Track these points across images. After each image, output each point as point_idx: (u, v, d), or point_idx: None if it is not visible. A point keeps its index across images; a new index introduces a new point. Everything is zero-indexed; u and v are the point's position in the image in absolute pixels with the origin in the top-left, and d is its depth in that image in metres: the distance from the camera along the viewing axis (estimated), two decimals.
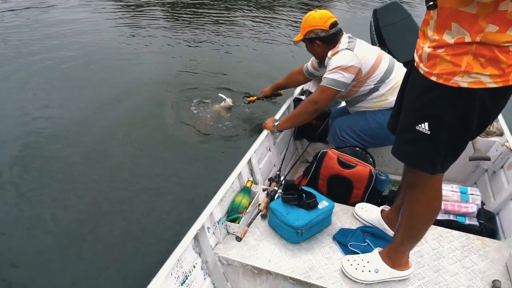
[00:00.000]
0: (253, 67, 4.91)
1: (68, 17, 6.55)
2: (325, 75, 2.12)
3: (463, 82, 1.04)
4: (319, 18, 2.15)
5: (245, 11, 7.81)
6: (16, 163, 2.88)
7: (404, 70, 2.17)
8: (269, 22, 7.07)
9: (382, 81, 2.11)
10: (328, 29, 2.12)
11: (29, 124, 3.41)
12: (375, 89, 2.13)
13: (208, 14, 7.27)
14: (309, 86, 2.99)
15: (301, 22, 2.25)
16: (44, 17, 6.53)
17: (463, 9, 0.99)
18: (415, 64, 1.18)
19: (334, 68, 2.07)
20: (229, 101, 3.61)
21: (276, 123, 2.35)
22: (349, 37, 2.16)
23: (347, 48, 2.08)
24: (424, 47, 1.12)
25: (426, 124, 1.14)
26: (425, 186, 1.28)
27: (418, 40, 1.18)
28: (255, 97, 3.11)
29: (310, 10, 2.32)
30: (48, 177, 2.79)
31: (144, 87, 4.24)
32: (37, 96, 3.88)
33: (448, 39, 1.04)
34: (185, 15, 7.17)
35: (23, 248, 2.22)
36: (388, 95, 2.13)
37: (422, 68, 1.13)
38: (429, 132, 1.14)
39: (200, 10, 7.53)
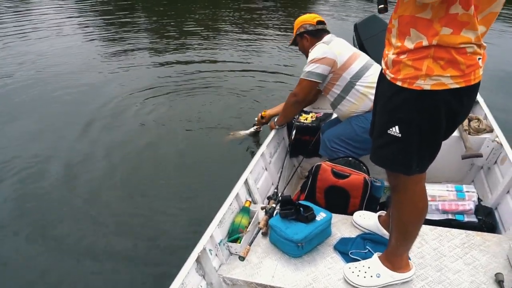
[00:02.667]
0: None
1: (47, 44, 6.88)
2: (303, 69, 2.30)
3: (426, 84, 1.09)
4: (308, 16, 2.44)
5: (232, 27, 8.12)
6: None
7: None
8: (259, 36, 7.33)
9: (358, 76, 2.21)
10: (315, 24, 2.38)
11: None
12: (351, 84, 2.22)
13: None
14: None
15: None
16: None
17: (419, 15, 1.06)
18: (383, 71, 1.24)
19: (309, 62, 2.26)
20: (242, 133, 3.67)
21: (275, 120, 2.63)
22: (330, 36, 2.35)
23: (323, 42, 2.28)
24: (389, 54, 1.19)
25: (397, 127, 1.19)
26: (406, 187, 1.32)
27: (384, 48, 1.25)
28: (258, 121, 3.20)
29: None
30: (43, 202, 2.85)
31: (134, 107, 4.39)
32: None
33: (409, 44, 1.10)
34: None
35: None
36: (367, 93, 2.20)
37: (389, 74, 1.19)
38: (400, 135, 1.19)
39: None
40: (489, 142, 2.30)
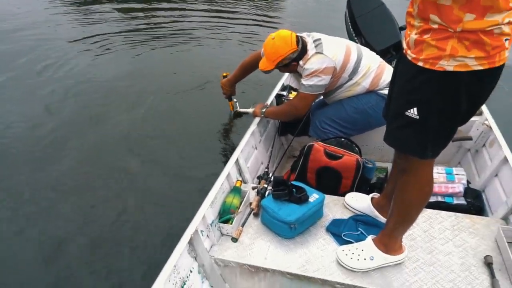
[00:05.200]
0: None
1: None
2: (302, 81, 2.16)
3: (448, 65, 1.05)
4: (284, 44, 2.11)
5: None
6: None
7: (372, 53, 2.24)
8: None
9: (354, 72, 2.16)
10: (296, 48, 2.12)
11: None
12: (349, 79, 2.18)
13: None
14: (289, 80, 3.00)
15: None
16: None
17: (439, 2, 1.01)
18: (404, 51, 1.20)
19: (309, 74, 2.11)
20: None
21: (263, 110, 2.43)
22: (314, 40, 2.16)
23: (316, 52, 2.10)
24: (411, 34, 1.14)
25: (415, 109, 1.16)
26: (416, 171, 1.30)
27: (405, 29, 1.20)
28: (231, 103, 2.99)
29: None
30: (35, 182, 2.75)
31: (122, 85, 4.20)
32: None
33: (432, 24, 1.05)
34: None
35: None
36: (360, 81, 2.18)
37: (410, 54, 1.14)
38: (418, 117, 1.16)
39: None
40: (478, 125, 2.31)
